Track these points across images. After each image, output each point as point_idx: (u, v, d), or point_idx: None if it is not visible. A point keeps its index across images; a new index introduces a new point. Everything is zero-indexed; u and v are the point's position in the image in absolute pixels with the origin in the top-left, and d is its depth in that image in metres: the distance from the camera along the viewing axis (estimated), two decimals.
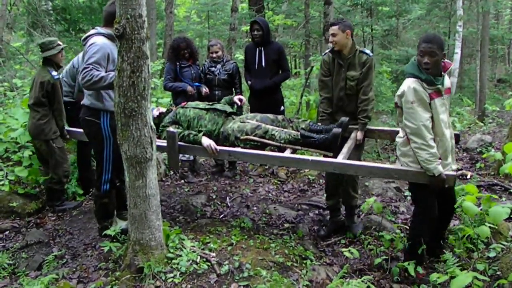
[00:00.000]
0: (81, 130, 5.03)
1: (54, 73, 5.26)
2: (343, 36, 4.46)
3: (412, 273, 3.70)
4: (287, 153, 4.28)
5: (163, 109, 5.04)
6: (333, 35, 4.50)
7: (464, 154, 7.74)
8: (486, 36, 12.44)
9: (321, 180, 6.32)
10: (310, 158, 4.10)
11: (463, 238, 4.02)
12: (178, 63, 6.12)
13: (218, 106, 4.84)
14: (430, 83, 3.57)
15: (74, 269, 4.02)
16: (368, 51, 4.59)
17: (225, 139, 4.52)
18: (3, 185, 5.30)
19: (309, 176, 6.55)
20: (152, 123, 3.52)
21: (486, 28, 12.43)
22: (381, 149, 7.86)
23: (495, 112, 12.92)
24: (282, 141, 4.34)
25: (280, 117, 4.73)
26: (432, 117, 3.58)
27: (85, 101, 4.26)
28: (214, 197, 5.75)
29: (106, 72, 4.02)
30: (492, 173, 6.63)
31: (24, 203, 5.35)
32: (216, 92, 6.15)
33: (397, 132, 4.54)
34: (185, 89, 6.00)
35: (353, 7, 10.32)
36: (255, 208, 5.47)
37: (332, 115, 4.72)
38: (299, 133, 4.38)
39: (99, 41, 4.02)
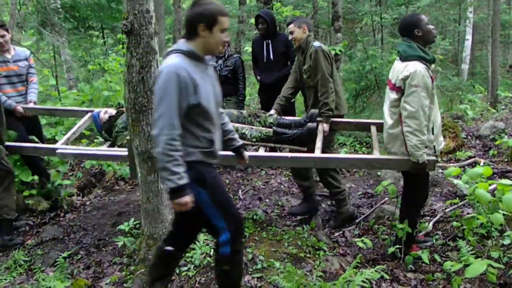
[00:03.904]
0: (24, 144, 4.79)
1: None
2: (300, 31, 4.66)
3: (426, 261, 3.71)
4: (262, 152, 4.23)
5: (112, 111, 4.79)
6: (291, 32, 4.71)
7: (477, 141, 7.67)
8: (497, 22, 12.24)
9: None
10: (289, 155, 4.07)
11: (470, 224, 4.01)
12: None
13: None
14: (432, 62, 3.70)
15: (89, 265, 4.06)
16: (316, 43, 4.59)
17: None
18: None
19: None
20: None
21: (497, 13, 12.23)
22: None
23: (507, 98, 12.76)
24: (254, 140, 4.26)
25: (245, 112, 4.64)
26: (431, 101, 3.65)
27: None
28: (226, 190, 5.77)
29: None
30: (506, 160, 6.57)
31: (39, 201, 5.39)
32: None
33: (363, 124, 4.86)
34: None
35: None
36: (267, 200, 5.47)
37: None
38: (270, 129, 4.33)
39: None
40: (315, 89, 4.59)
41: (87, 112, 5.21)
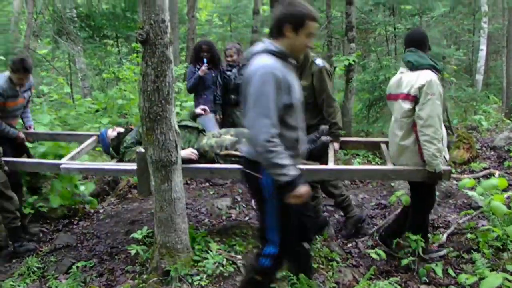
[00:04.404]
0: (27, 160, 4.71)
1: None
2: None
3: (440, 274, 3.67)
4: None
5: (121, 129, 4.79)
6: None
7: (492, 153, 7.61)
8: None
9: (345, 181, 6.28)
10: (304, 167, 4.06)
11: (485, 236, 3.97)
12: (198, 66, 6.11)
13: (188, 122, 4.53)
14: (440, 72, 3.81)
15: (102, 273, 4.07)
16: (318, 61, 4.52)
17: (201, 157, 4.21)
18: None
19: None
20: (176, 127, 3.54)
21: None
22: None
23: None
24: None
25: None
26: None
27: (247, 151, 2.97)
28: (239, 199, 5.76)
29: None
30: None
31: (53, 208, 5.42)
32: (232, 96, 6.14)
33: (372, 143, 4.90)
34: (199, 75, 5.99)
35: (375, 7, 10.25)
36: None
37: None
38: None
39: None
40: (313, 105, 4.54)
41: (91, 136, 5.12)
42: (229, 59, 6.19)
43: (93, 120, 7.47)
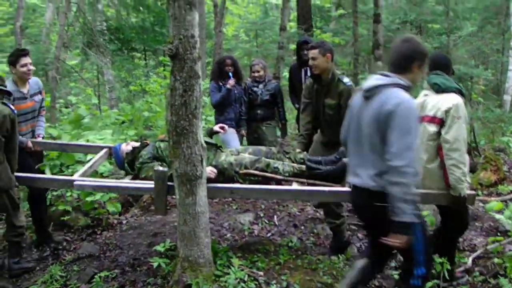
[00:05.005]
0: (40, 175, 4.59)
1: (12, 106, 4.36)
2: (323, 60, 4.49)
3: None
4: (296, 186, 4.16)
5: (135, 143, 4.66)
6: (313, 58, 4.53)
7: None
8: None
9: None
10: (327, 189, 4.02)
11: None
12: (222, 82, 6.10)
13: (206, 138, 4.36)
14: (464, 96, 3.75)
15: (124, 284, 4.08)
16: (346, 80, 4.52)
17: (220, 174, 4.14)
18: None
19: None
20: (203, 141, 3.56)
21: None
22: None
23: None
24: (287, 174, 4.19)
25: (274, 149, 4.58)
26: None
27: (370, 183, 2.98)
28: (261, 215, 5.75)
29: None
30: None
31: (76, 217, 5.49)
32: (258, 111, 6.18)
33: None
34: (228, 88, 5.99)
35: (402, 25, 10.23)
36: (302, 227, 5.42)
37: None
38: (302, 165, 4.29)
39: None
40: (337, 124, 4.43)
41: (102, 147, 5.03)
42: (255, 74, 6.23)
43: (119, 132, 7.55)
